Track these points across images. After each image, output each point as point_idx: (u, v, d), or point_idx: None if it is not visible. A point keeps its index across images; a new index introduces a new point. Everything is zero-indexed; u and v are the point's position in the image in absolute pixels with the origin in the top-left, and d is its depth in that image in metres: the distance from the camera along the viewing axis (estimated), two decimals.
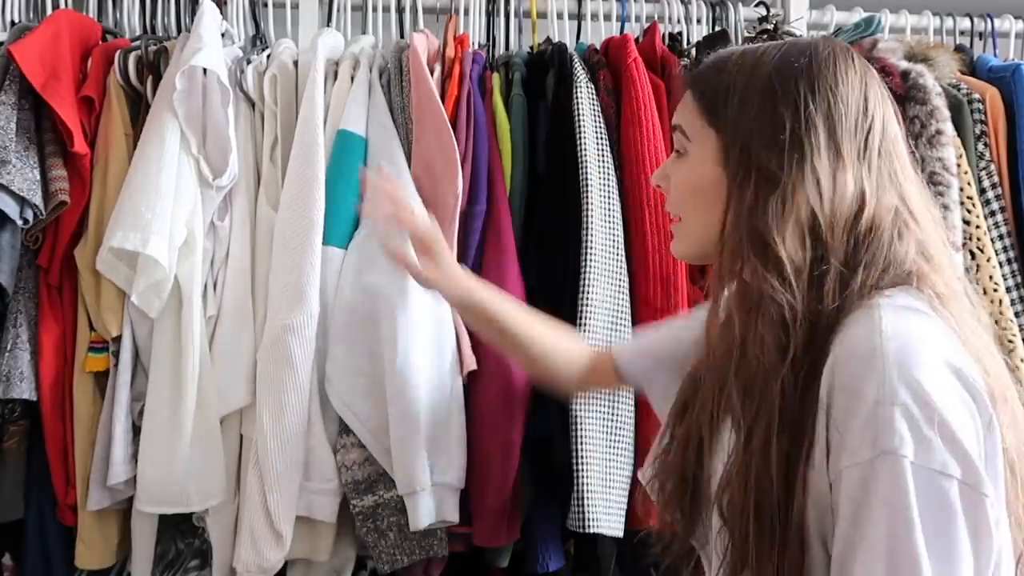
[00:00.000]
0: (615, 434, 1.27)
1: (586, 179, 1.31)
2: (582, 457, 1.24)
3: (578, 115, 1.34)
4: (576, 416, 1.25)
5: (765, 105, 0.80)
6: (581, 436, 1.24)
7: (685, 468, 0.87)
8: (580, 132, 1.33)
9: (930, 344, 0.72)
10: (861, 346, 0.71)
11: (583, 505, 1.22)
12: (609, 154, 1.35)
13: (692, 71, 0.89)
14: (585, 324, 1.27)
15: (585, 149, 1.32)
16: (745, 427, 0.75)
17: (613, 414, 1.27)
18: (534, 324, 1.13)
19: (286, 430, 1.22)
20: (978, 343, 0.76)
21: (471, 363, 1.27)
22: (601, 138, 1.35)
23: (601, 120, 1.36)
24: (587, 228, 1.30)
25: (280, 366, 1.23)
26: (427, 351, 1.24)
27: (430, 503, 1.23)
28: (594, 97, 1.37)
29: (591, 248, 1.29)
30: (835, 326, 0.74)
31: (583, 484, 1.23)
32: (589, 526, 1.22)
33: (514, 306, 1.15)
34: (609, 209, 1.32)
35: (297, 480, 1.24)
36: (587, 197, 1.31)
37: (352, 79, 1.37)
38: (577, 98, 1.35)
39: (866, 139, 0.80)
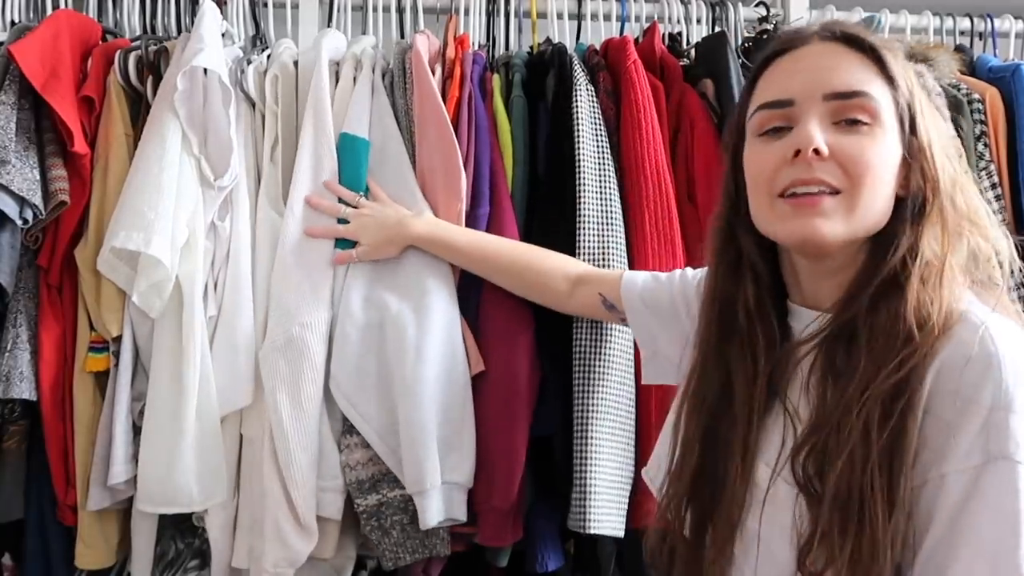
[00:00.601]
0: (620, 434, 1.26)
1: (583, 182, 1.31)
2: (589, 457, 1.23)
3: (577, 118, 1.34)
4: (584, 416, 1.25)
5: (909, 74, 0.81)
6: (589, 436, 1.24)
7: (727, 475, 0.85)
8: (579, 135, 1.33)
9: None
10: (973, 352, 0.70)
11: (586, 506, 1.22)
12: (609, 157, 1.34)
13: (853, 36, 0.82)
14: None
15: (583, 152, 1.32)
16: (858, 390, 0.73)
17: (619, 413, 1.27)
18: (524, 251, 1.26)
19: (305, 424, 1.23)
20: None
21: (478, 364, 1.28)
22: (601, 141, 1.34)
23: (601, 122, 1.36)
24: (583, 230, 1.30)
25: (298, 362, 1.24)
26: (439, 353, 1.25)
27: (439, 502, 1.23)
28: (594, 99, 1.36)
29: (586, 249, 1.29)
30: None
31: (588, 485, 1.22)
32: (591, 527, 1.22)
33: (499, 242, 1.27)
34: (607, 211, 1.31)
35: (315, 473, 1.24)
36: (583, 200, 1.31)
37: (355, 80, 1.37)
38: (577, 101, 1.35)
39: None
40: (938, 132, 0.82)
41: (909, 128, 0.80)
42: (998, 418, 0.68)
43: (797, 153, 0.79)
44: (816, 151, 0.78)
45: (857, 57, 0.80)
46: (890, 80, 0.79)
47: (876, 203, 0.79)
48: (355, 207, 1.31)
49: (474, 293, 1.33)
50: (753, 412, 0.84)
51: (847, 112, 0.79)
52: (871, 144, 0.78)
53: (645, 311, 1.15)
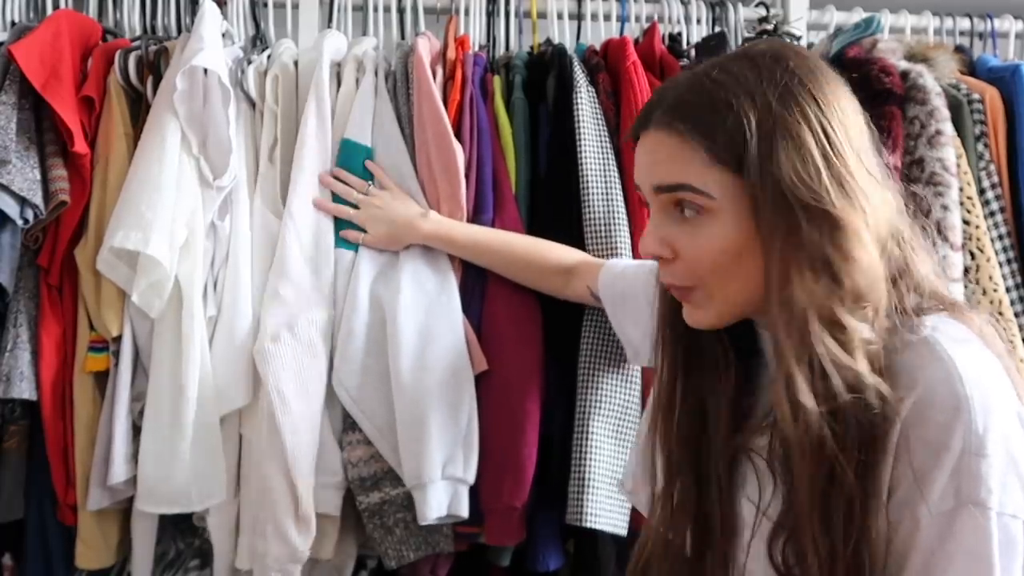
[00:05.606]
0: (624, 432, 1.26)
1: (587, 186, 1.31)
2: (588, 451, 1.23)
3: (579, 119, 1.33)
4: (586, 410, 1.25)
5: (786, 133, 0.72)
6: (590, 431, 1.24)
7: (708, 512, 0.84)
8: (581, 138, 1.33)
9: (1001, 385, 0.72)
10: (945, 396, 0.69)
11: (583, 499, 1.22)
12: (613, 159, 1.34)
13: (669, 117, 0.76)
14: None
15: (586, 155, 1.32)
16: (821, 476, 0.71)
17: (624, 411, 1.27)
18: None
19: (309, 419, 1.23)
20: (1011, 363, 0.76)
21: (481, 364, 1.28)
22: (604, 143, 1.34)
23: (603, 124, 1.35)
24: (590, 233, 1.30)
25: (303, 357, 1.24)
26: (441, 350, 1.25)
27: (441, 496, 1.23)
28: (595, 100, 1.36)
29: (593, 252, 1.29)
30: (890, 356, 0.72)
31: (587, 478, 1.22)
32: (587, 520, 1.21)
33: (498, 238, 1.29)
34: (613, 213, 1.31)
35: (314, 468, 1.24)
36: (588, 203, 1.31)
37: (357, 83, 1.37)
38: (578, 102, 1.34)
39: (877, 146, 0.77)
40: (798, 161, 0.72)
41: (771, 206, 0.73)
42: (969, 463, 0.68)
43: None
44: (659, 256, 0.79)
45: (680, 143, 0.75)
46: (735, 162, 0.73)
47: (736, 285, 0.76)
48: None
49: (477, 293, 1.33)
50: (720, 444, 0.84)
51: (678, 201, 0.77)
52: (706, 234, 0.75)
53: (617, 307, 1.16)
